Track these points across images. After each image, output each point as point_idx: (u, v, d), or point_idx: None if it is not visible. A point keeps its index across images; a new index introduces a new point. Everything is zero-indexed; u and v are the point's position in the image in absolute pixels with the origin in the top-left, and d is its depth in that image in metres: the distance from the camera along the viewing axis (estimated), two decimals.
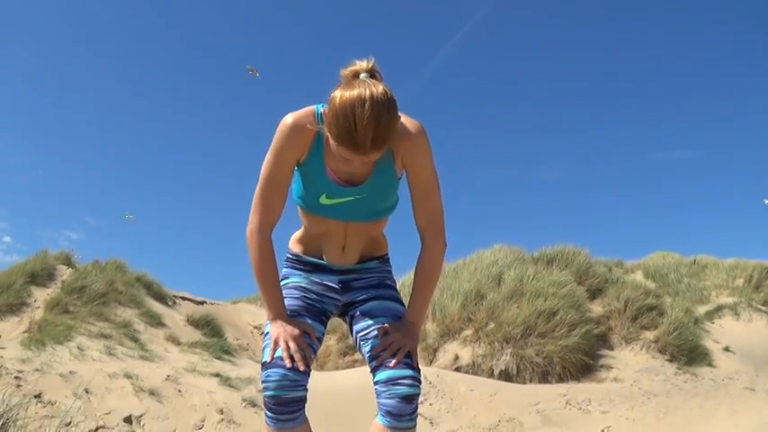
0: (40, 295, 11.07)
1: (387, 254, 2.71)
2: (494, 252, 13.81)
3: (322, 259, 2.59)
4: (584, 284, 12.37)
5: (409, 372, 2.25)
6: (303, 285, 2.56)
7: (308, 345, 2.33)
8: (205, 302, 14.92)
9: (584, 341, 10.41)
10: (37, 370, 7.01)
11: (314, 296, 2.54)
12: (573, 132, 46.86)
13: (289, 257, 2.67)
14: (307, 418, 2.33)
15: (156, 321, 11.56)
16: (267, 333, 2.36)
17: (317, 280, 2.58)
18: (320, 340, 2.47)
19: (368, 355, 2.37)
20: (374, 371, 2.31)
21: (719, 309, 14.24)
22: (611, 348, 11.00)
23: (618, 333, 11.29)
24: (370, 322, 2.43)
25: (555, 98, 48.92)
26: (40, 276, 11.67)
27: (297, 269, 2.62)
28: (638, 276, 16.05)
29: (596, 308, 11.87)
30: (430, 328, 11.18)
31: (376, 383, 2.28)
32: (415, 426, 2.28)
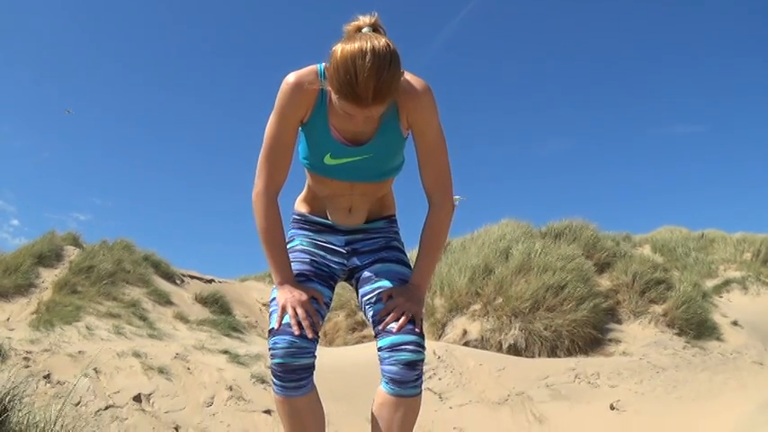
0: (48, 276, 11.09)
1: (394, 214, 2.67)
2: (501, 227, 13.78)
3: (328, 219, 2.55)
4: (592, 258, 12.32)
5: (412, 337, 2.21)
6: (310, 249, 2.52)
7: (316, 310, 2.30)
8: (213, 280, 14.94)
9: (592, 315, 10.39)
10: (46, 350, 7.03)
11: (321, 260, 2.50)
12: (579, 107, 46.75)
13: (295, 218, 2.63)
14: (315, 387, 2.30)
15: (164, 300, 11.59)
16: (274, 299, 2.32)
17: (323, 242, 2.54)
18: (328, 305, 2.44)
19: (372, 319, 2.35)
20: (377, 336, 2.28)
21: (727, 283, 14.21)
22: (619, 322, 10.97)
23: (626, 307, 11.25)
24: (375, 286, 2.40)
25: (561, 73, 48.76)
26: (48, 257, 11.67)
27: (303, 230, 2.59)
28: (646, 250, 16.00)
29: (604, 282, 11.83)
30: (438, 302, 11.17)
31: (379, 350, 2.25)
32: (420, 393, 2.26)
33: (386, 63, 2.00)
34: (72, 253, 12.24)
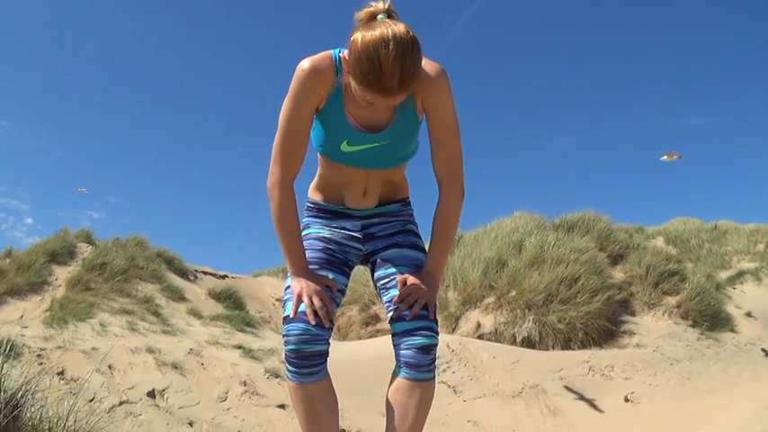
0: (61, 273, 11.13)
1: (408, 197, 2.67)
2: (514, 219, 13.76)
3: (342, 206, 2.55)
4: (605, 250, 12.29)
5: (426, 323, 2.24)
6: (325, 236, 2.52)
7: (331, 299, 2.30)
8: (226, 276, 14.96)
9: (606, 307, 10.36)
10: (59, 347, 7.04)
11: (336, 246, 2.50)
12: (592, 99, 46.57)
13: (309, 206, 2.63)
14: (329, 375, 2.32)
15: (177, 296, 11.61)
16: (288, 287, 2.33)
17: (338, 228, 2.54)
18: (342, 292, 2.45)
19: (387, 305, 2.36)
20: (392, 323, 2.30)
21: (741, 274, 14.16)
22: (633, 314, 10.94)
23: (640, 299, 11.22)
24: (390, 271, 2.40)
25: (574, 65, 48.57)
26: (61, 255, 11.71)
27: (318, 217, 2.58)
28: (660, 242, 15.96)
29: (618, 274, 11.80)
30: (451, 296, 11.16)
31: (393, 335, 2.28)
32: (434, 378, 2.28)
33: (408, 50, 1.98)
34: (85, 250, 12.28)
